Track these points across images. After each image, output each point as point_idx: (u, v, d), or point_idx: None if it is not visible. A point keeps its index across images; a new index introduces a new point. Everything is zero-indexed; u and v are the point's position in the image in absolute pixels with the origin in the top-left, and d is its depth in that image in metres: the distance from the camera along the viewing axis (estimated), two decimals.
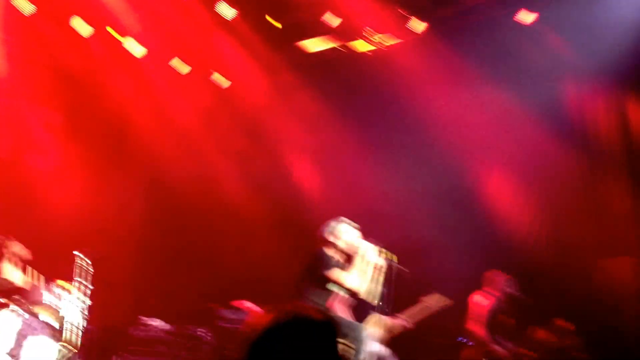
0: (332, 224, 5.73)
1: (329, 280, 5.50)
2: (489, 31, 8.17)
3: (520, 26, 8.03)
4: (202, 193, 10.10)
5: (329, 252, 5.61)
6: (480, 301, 7.38)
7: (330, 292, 5.64)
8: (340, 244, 5.62)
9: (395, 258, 5.64)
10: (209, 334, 7.86)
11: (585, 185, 8.00)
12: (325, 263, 5.48)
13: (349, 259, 5.63)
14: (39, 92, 9.18)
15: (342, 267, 5.59)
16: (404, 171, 9.11)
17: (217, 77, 10.05)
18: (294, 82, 9.76)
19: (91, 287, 7.05)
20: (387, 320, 6.40)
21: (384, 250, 5.67)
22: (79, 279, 7.09)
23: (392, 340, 6.46)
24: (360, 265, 5.54)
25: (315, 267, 5.48)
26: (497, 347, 7.21)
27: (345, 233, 5.65)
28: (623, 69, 7.60)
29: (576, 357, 7.23)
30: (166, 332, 7.97)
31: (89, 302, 6.99)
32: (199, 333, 7.84)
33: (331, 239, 5.63)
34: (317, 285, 5.52)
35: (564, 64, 7.94)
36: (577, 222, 8.01)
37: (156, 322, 8.09)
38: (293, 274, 5.78)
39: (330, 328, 1.92)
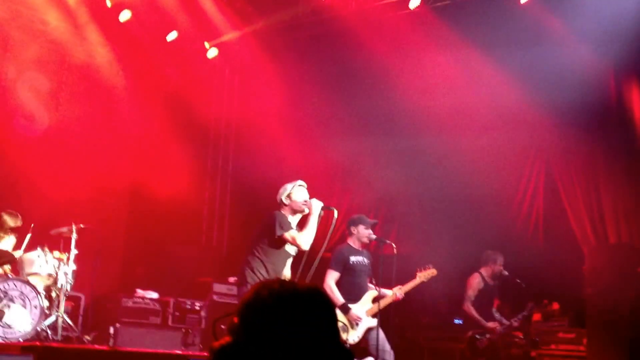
0: (288, 185, 5.78)
1: (285, 241, 5.56)
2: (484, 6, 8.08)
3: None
4: (193, 162, 10.00)
5: (284, 213, 5.67)
6: (477, 282, 7.44)
7: (285, 253, 5.68)
8: (295, 204, 5.67)
9: (336, 212, 5.63)
10: (204, 307, 7.85)
11: (580, 167, 8.02)
12: (281, 224, 5.53)
13: (302, 218, 5.70)
14: (27, 57, 8.99)
15: (297, 228, 5.64)
16: (394, 147, 9.06)
17: (206, 45, 9.92)
18: (281, 49, 9.61)
19: (78, 254, 7.02)
20: (377, 292, 6.42)
21: (332, 207, 5.68)
22: (70, 248, 7.05)
23: (384, 317, 6.49)
24: (314, 223, 5.57)
25: (271, 229, 5.53)
26: (490, 326, 7.30)
27: (299, 194, 5.71)
28: (622, 54, 7.59)
29: (562, 339, 7.34)
30: (161, 303, 7.94)
31: (74, 266, 6.97)
32: (195, 306, 7.82)
33: (286, 200, 5.69)
34: (273, 246, 5.58)
35: (559, 39, 7.88)
36: (571, 205, 8.05)
37: (150, 294, 8.07)
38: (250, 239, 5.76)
39: (324, 300, 1.87)
